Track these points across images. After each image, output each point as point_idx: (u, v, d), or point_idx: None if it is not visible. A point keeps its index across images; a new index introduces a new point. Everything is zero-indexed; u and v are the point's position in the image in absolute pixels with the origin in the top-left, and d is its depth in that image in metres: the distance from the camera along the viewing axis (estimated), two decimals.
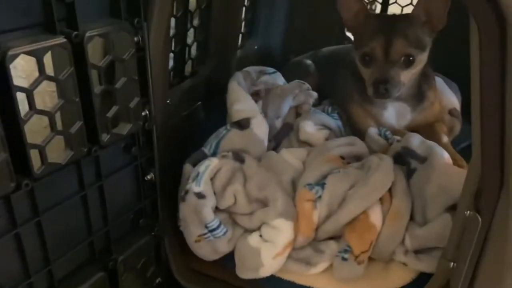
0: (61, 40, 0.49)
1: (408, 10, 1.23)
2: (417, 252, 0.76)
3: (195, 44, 1.04)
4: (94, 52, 0.53)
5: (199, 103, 1.08)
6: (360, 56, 0.92)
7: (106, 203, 0.62)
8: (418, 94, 0.97)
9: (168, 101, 0.92)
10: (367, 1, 1.35)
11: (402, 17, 0.97)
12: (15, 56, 0.44)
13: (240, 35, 1.22)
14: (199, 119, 1.09)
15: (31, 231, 0.53)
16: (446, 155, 0.81)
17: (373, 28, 0.90)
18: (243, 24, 1.23)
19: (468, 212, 0.59)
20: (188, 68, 1.05)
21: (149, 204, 0.72)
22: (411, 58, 0.88)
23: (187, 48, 1.02)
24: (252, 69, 1.10)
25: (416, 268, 0.76)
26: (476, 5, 0.49)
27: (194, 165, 0.84)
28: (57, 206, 0.55)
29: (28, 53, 0.45)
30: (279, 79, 1.12)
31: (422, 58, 0.90)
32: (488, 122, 0.52)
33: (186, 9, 0.96)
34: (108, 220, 0.64)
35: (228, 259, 0.80)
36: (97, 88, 0.54)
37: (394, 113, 0.98)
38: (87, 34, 0.51)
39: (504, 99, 0.50)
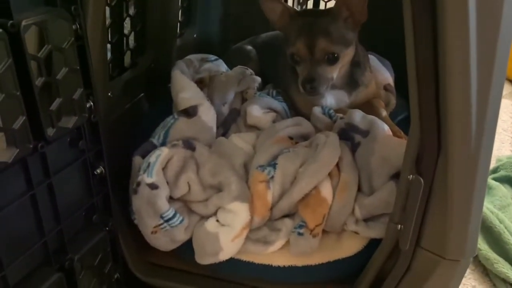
0: None
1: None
2: (366, 220, 0.80)
3: (132, 34, 1.01)
4: (31, 42, 0.51)
5: (142, 94, 1.06)
6: (289, 55, 0.94)
7: (56, 201, 0.59)
8: (352, 82, 1.00)
9: (109, 94, 0.89)
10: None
11: (325, 14, 0.95)
12: None
13: (178, 24, 1.20)
14: (143, 110, 1.06)
15: None
16: (386, 128, 0.86)
17: (297, 28, 0.91)
18: (180, 12, 1.21)
19: (411, 176, 0.62)
20: (127, 59, 1.02)
21: (101, 199, 0.69)
22: (335, 55, 0.90)
23: (124, 39, 0.99)
24: (194, 57, 1.09)
25: (367, 235, 0.79)
26: None
27: (144, 156, 0.83)
28: (5, 208, 0.52)
29: None
30: (222, 66, 1.12)
31: (346, 53, 0.92)
32: (424, 92, 0.56)
33: None
34: (60, 219, 0.61)
35: (185, 248, 0.80)
36: (38, 80, 0.52)
37: (333, 99, 1.02)
38: (24, 23, 0.48)
39: (438, 68, 0.54)
